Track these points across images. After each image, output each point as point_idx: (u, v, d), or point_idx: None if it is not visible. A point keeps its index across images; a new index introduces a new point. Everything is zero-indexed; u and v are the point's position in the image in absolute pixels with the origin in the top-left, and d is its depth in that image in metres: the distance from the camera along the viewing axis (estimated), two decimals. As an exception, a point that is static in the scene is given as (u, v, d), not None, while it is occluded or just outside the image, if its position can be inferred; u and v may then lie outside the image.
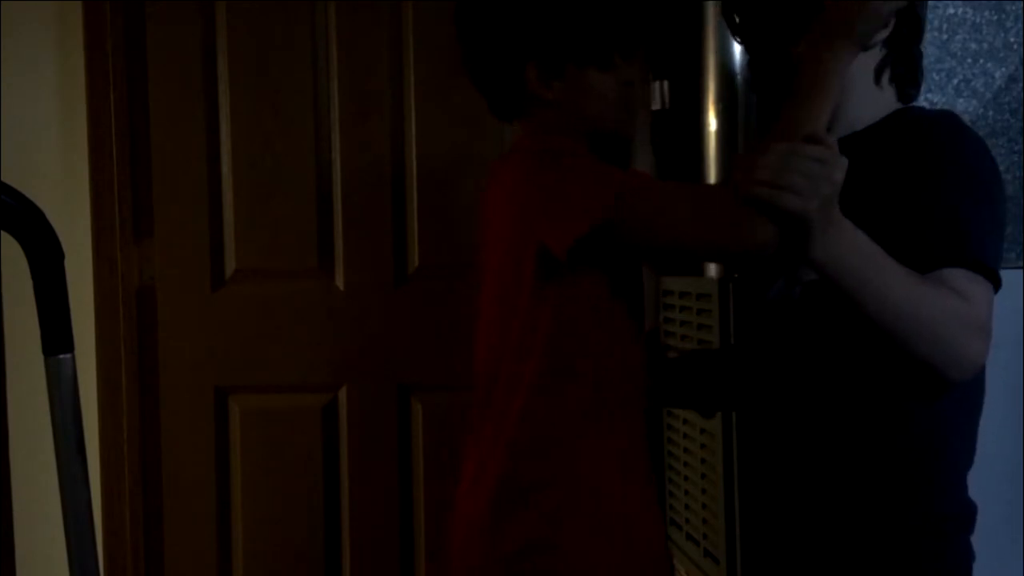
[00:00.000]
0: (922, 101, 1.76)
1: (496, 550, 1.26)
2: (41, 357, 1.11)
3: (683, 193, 1.26)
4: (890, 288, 1.10)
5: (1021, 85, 1.77)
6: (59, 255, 1.09)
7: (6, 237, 1.08)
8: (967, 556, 1.26)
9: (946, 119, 1.26)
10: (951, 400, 1.23)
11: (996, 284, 1.16)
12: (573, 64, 1.28)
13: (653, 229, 1.19)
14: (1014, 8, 1.76)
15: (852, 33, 1.12)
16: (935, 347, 1.11)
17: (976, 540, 1.27)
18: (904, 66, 1.28)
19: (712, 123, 1.85)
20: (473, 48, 1.34)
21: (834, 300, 1.16)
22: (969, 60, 1.77)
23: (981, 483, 1.29)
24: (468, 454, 1.35)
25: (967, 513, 1.26)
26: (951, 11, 1.78)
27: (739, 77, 1.83)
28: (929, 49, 1.78)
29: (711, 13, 1.83)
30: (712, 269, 1.82)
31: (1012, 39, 1.77)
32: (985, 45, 1.76)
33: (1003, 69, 1.77)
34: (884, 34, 1.20)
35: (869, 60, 1.23)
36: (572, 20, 1.28)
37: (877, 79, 1.26)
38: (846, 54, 1.12)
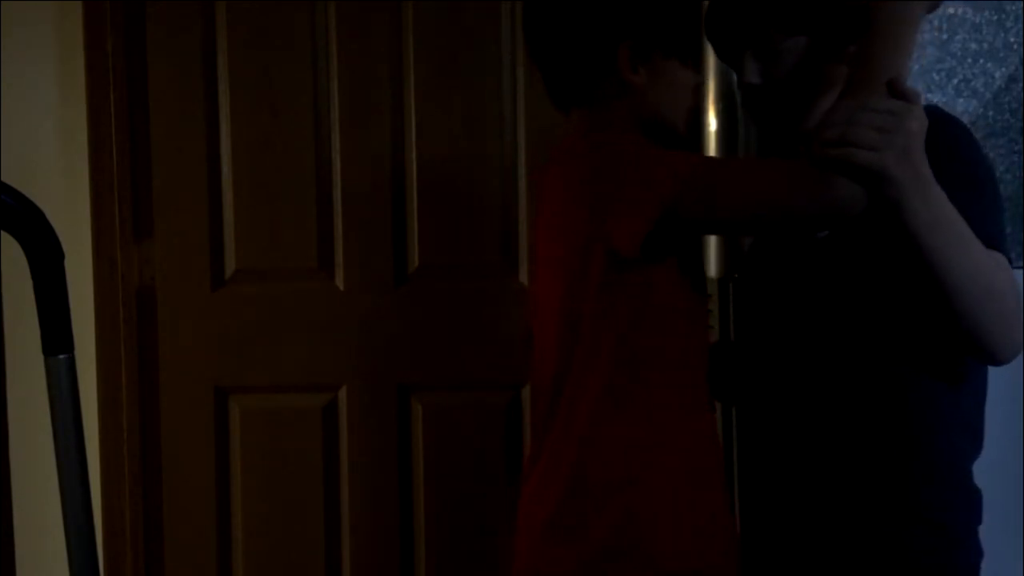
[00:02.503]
0: (922, 101, 1.76)
1: (574, 551, 1.24)
2: (41, 357, 1.11)
3: (752, 166, 1.25)
4: (971, 256, 1.08)
5: (1021, 85, 1.77)
6: (59, 255, 1.09)
7: (6, 237, 1.08)
8: (975, 551, 1.25)
9: (930, 114, 1.26)
10: (952, 388, 1.23)
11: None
12: (660, 52, 1.29)
13: (726, 206, 1.18)
14: (1014, 8, 1.77)
15: None
16: (996, 318, 1.10)
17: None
18: None
19: (712, 123, 1.85)
20: (562, 26, 1.32)
21: (863, 272, 1.15)
22: (969, 60, 1.77)
23: (981, 483, 1.29)
24: (537, 453, 1.34)
25: (973, 504, 1.26)
26: (951, 11, 1.78)
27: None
28: (929, 49, 1.78)
29: (711, 13, 1.83)
30: (712, 269, 1.82)
31: (1012, 39, 1.77)
32: (985, 45, 1.77)
33: (1003, 69, 1.77)
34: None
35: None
36: (669, 7, 1.30)
37: None
38: (923, 10, 1.11)
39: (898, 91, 1.04)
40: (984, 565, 1.27)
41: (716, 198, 1.18)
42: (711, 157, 1.32)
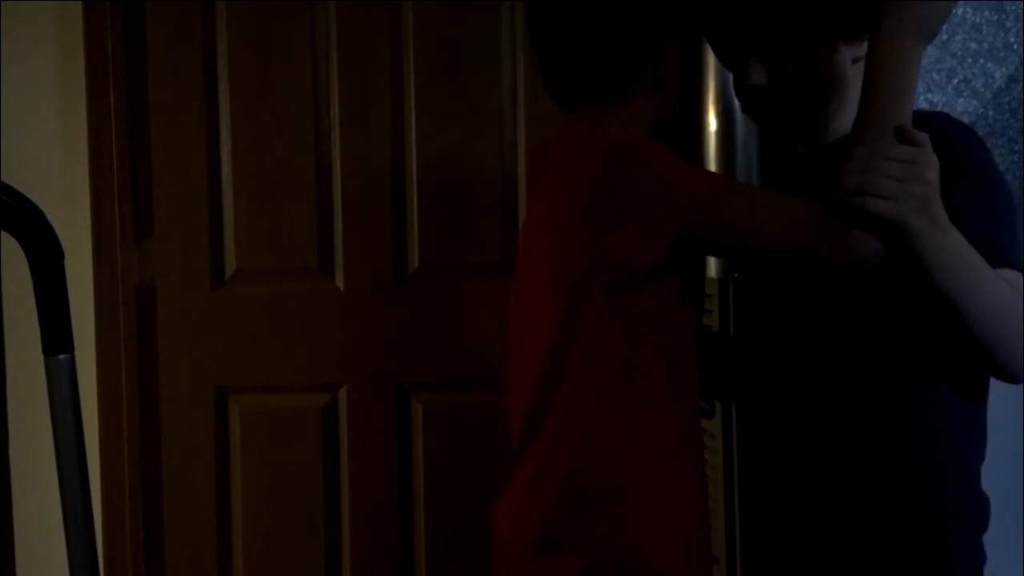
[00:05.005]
0: (922, 101, 1.76)
1: (566, 564, 1.24)
2: (41, 357, 1.11)
3: (778, 201, 1.21)
4: (988, 291, 1.10)
5: (1021, 85, 1.77)
6: (59, 255, 1.09)
7: (6, 237, 1.08)
8: (977, 556, 1.25)
9: (941, 121, 1.26)
10: (966, 400, 1.23)
11: None
12: (689, 50, 1.31)
13: (742, 236, 1.18)
14: (1014, 8, 1.77)
15: (925, 27, 1.10)
16: (1015, 349, 1.12)
17: (979, 539, 1.27)
18: None
19: (712, 123, 1.85)
20: (612, 19, 1.27)
21: (873, 291, 1.15)
22: (969, 60, 1.77)
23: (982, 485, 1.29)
24: (518, 460, 1.32)
25: (979, 510, 1.26)
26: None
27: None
28: (929, 49, 1.77)
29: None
30: (712, 268, 1.82)
31: (1012, 39, 1.77)
32: (985, 45, 1.77)
33: (1003, 69, 1.77)
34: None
35: (855, 72, 1.22)
36: (696, 6, 1.31)
37: None
38: (921, 45, 1.10)
39: (907, 136, 1.04)
40: (985, 567, 1.27)
41: (735, 229, 1.17)
42: (738, 185, 1.30)
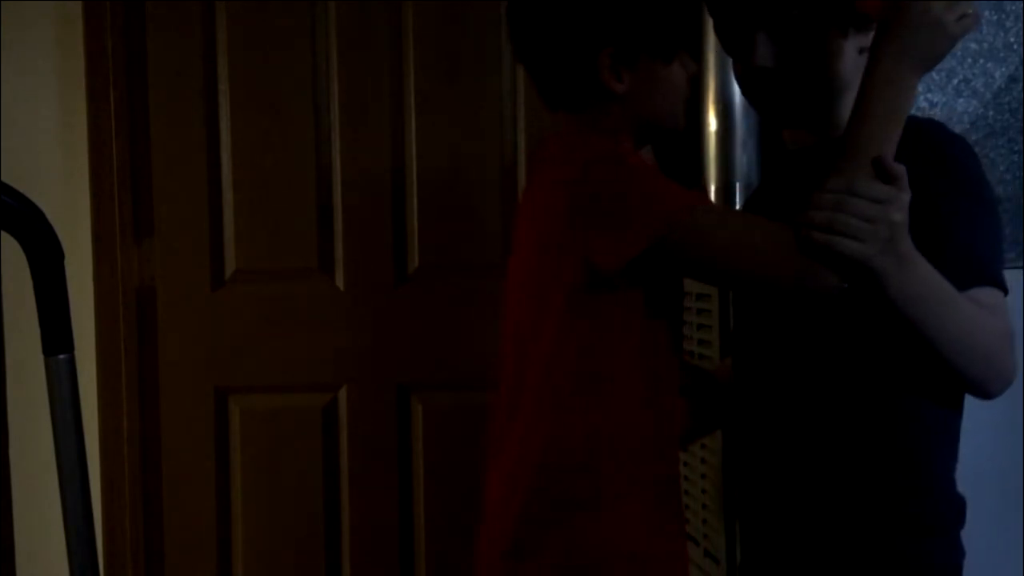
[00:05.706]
0: (922, 101, 1.76)
1: (530, 570, 1.23)
2: (41, 357, 1.11)
3: (747, 225, 1.22)
4: (955, 318, 1.11)
5: (1021, 85, 1.77)
6: (59, 255, 1.09)
7: (6, 237, 1.08)
8: (957, 553, 1.26)
9: (935, 131, 1.26)
10: (951, 412, 1.24)
11: (1005, 293, 1.20)
12: (646, 55, 1.26)
13: (710, 256, 1.19)
14: (1014, 8, 1.76)
15: (926, 56, 1.08)
16: (985, 367, 1.14)
17: (975, 539, 1.28)
18: None
19: (712, 123, 1.85)
20: (544, 34, 1.28)
21: (863, 309, 1.16)
22: (969, 60, 1.77)
23: (980, 482, 1.29)
24: (493, 466, 1.32)
25: (956, 509, 1.27)
26: (951, 11, 1.77)
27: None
28: (929, 49, 1.77)
29: (711, 13, 1.83)
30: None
31: (1012, 39, 1.77)
32: (985, 45, 1.76)
33: (1003, 69, 1.77)
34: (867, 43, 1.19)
35: (860, 63, 1.22)
36: (650, 9, 1.27)
37: None
38: (919, 73, 1.09)
39: (885, 170, 1.02)
40: (984, 564, 1.28)
41: (703, 248, 1.18)
42: (712, 205, 1.30)
